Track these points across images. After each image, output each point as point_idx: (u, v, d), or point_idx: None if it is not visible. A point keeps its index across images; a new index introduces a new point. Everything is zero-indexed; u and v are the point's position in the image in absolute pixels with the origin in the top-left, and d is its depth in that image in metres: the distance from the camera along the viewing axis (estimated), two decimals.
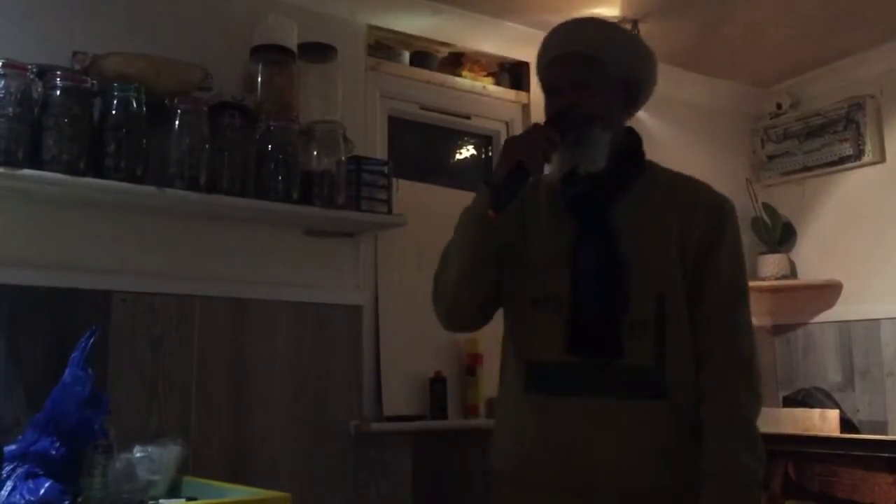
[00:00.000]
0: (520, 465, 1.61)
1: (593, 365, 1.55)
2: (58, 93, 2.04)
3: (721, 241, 1.62)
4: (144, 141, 2.15)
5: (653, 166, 1.72)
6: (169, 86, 2.23)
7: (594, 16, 1.72)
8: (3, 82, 1.97)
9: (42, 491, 1.66)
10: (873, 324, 3.43)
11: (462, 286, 1.61)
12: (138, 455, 1.88)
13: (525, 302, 1.63)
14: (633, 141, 1.71)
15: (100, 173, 2.08)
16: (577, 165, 1.60)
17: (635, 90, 1.68)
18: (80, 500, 1.71)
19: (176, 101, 2.22)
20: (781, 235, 3.78)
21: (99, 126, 2.11)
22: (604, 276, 1.58)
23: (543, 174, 1.61)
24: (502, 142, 3.27)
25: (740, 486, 1.48)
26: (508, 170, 1.51)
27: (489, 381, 2.84)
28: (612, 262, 1.57)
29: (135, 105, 2.13)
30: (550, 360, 1.58)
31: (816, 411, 3.11)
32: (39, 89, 2.02)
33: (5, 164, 1.92)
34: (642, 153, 1.72)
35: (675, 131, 3.68)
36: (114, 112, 2.11)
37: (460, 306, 1.65)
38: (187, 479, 1.95)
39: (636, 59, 1.68)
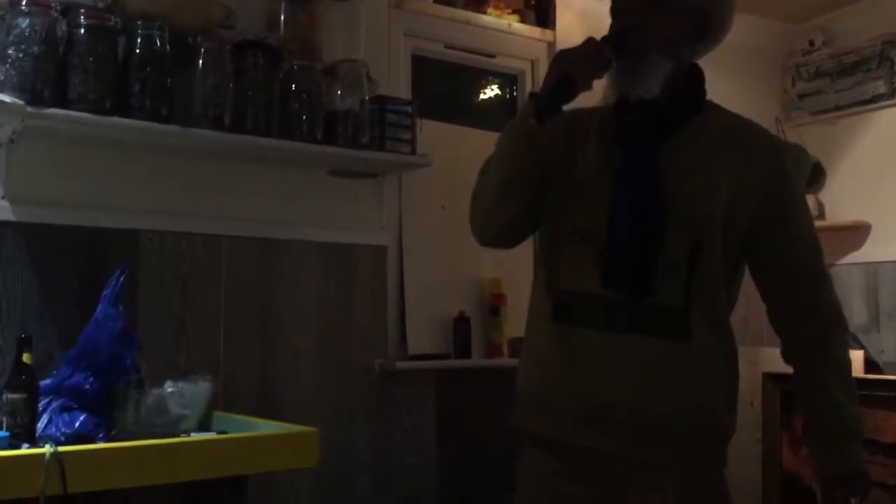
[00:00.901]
0: (541, 389, 1.62)
1: (621, 300, 1.54)
2: (82, 31, 2.03)
3: (789, 191, 1.61)
4: (169, 80, 2.15)
5: (713, 107, 1.67)
6: (192, 24, 2.21)
7: None
8: (27, 21, 1.96)
9: (77, 423, 1.72)
10: None
11: (500, 196, 1.58)
12: (169, 390, 1.92)
13: (561, 230, 1.62)
14: (695, 77, 1.66)
15: (125, 113, 2.08)
16: (630, 91, 1.56)
17: (708, 26, 1.62)
18: (113, 432, 1.75)
19: (199, 39, 2.21)
20: (811, 176, 3.73)
21: (123, 65, 2.10)
22: (641, 215, 1.55)
23: (602, 99, 1.60)
24: (527, 82, 3.24)
25: (860, 436, 1.60)
26: (556, 80, 1.47)
27: (513, 322, 2.86)
28: (652, 202, 1.54)
29: (158, 44, 2.12)
30: (580, 291, 1.58)
31: None
32: (63, 28, 2.02)
33: (32, 102, 1.92)
34: (703, 91, 1.67)
35: (703, 68, 3.60)
36: (138, 51, 2.10)
37: (497, 217, 1.62)
38: (217, 414, 1.99)
39: None
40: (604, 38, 1.54)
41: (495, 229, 1.66)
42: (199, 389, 1.96)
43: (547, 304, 1.62)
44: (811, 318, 1.63)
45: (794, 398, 2.78)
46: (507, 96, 3.31)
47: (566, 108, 1.52)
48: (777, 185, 1.60)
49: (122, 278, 1.89)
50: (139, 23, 2.10)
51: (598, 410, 1.54)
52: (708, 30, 1.63)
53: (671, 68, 1.57)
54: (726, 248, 1.58)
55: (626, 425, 1.53)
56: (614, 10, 1.63)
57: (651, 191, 1.54)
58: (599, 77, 1.52)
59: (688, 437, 1.56)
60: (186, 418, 1.90)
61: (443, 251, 2.86)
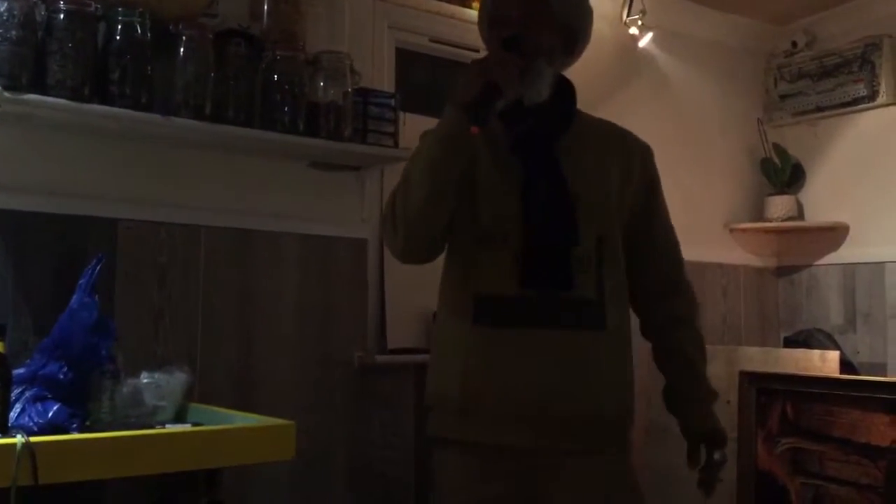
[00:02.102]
0: (467, 395, 1.62)
1: (543, 297, 1.60)
2: (61, 16, 2.00)
3: (656, 184, 1.79)
4: (149, 68, 2.12)
5: (581, 113, 1.76)
6: (173, 11, 2.19)
7: None
8: (5, 5, 1.93)
9: (51, 413, 1.69)
10: (878, 267, 3.43)
11: (429, 209, 1.56)
12: (145, 381, 1.90)
13: (473, 234, 1.64)
14: (567, 86, 1.74)
15: (105, 100, 2.06)
16: (523, 96, 1.60)
17: (575, 39, 1.71)
18: (88, 423, 1.73)
19: (181, 27, 2.19)
20: (791, 177, 3.76)
21: (103, 52, 2.08)
22: (556, 208, 1.61)
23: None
24: None
25: (716, 399, 1.79)
26: (482, 89, 1.48)
27: None
28: (564, 195, 1.62)
29: (139, 31, 2.10)
30: (499, 293, 1.61)
31: (817, 352, 3.13)
32: (42, 13, 1.99)
33: (9, 88, 1.90)
34: (575, 98, 1.75)
35: (687, 68, 3.63)
36: (118, 38, 2.08)
37: (423, 233, 1.60)
38: (193, 405, 1.98)
39: (578, 9, 1.72)
40: (503, 45, 1.58)
41: (424, 241, 1.63)
42: (175, 380, 1.94)
43: (465, 309, 1.63)
44: (676, 296, 1.80)
45: (770, 396, 2.82)
46: None
47: None
48: (649, 178, 1.77)
49: (98, 267, 1.87)
50: (119, 9, 2.08)
51: (527, 409, 1.58)
52: (575, 43, 1.71)
53: (553, 76, 1.66)
54: (619, 239, 1.70)
55: (555, 416, 1.59)
56: (493, 23, 1.68)
57: (560, 191, 1.62)
58: (518, 85, 1.55)
59: (610, 424, 1.65)
60: (162, 410, 1.89)
61: None
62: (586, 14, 1.73)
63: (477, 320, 1.62)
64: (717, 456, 1.74)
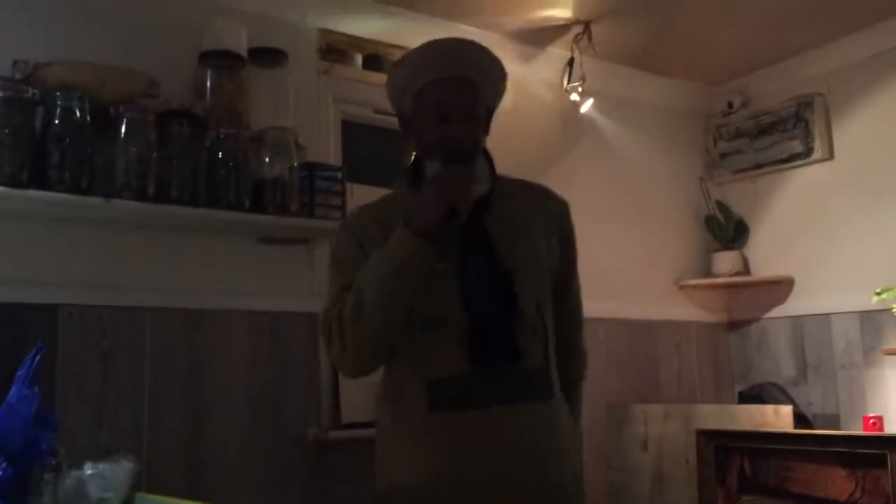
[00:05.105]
0: (430, 482, 1.59)
1: (495, 373, 1.59)
2: None
3: (572, 241, 1.80)
4: (89, 151, 2.11)
5: (499, 177, 1.76)
6: (114, 94, 2.18)
7: (470, 39, 1.72)
8: None
9: None
10: (824, 318, 3.49)
11: (384, 333, 1.57)
12: (89, 472, 1.83)
13: (414, 322, 1.60)
14: (486, 154, 1.75)
15: (44, 185, 2.03)
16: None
17: (491, 117, 1.73)
18: None
19: (121, 109, 2.18)
20: (734, 233, 3.83)
21: (42, 136, 2.06)
22: (494, 286, 1.61)
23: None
24: None
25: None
26: (442, 215, 1.51)
27: None
28: (499, 271, 1.62)
29: (78, 114, 2.09)
30: (451, 376, 1.59)
31: (770, 407, 3.15)
32: None
33: None
34: (495, 166, 1.77)
35: (629, 131, 3.71)
36: (57, 122, 2.06)
37: (378, 351, 1.61)
38: (140, 495, 1.90)
39: (502, 88, 1.74)
40: (452, 159, 1.59)
41: (376, 359, 1.65)
42: (120, 470, 1.86)
43: (420, 398, 1.61)
44: (570, 358, 1.78)
45: (728, 453, 2.82)
46: None
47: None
48: (567, 231, 1.78)
49: (38, 357, 1.81)
50: (58, 93, 2.07)
51: (490, 490, 1.56)
52: (491, 119, 1.73)
53: (487, 165, 1.71)
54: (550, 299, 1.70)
55: (521, 488, 1.58)
56: (440, 117, 1.63)
57: (496, 266, 1.62)
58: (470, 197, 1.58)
59: (569, 485, 1.66)
60: (107, 501, 1.81)
61: None
62: (504, 87, 1.74)
63: (433, 407, 1.60)
64: None
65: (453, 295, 1.60)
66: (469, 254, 1.61)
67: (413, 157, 1.76)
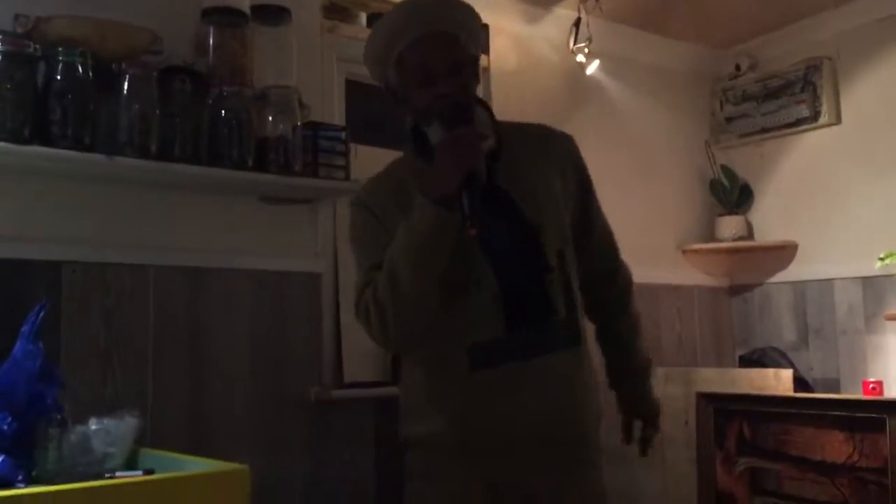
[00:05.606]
0: (465, 436, 1.63)
1: (532, 330, 1.61)
2: None
3: (585, 171, 1.80)
4: (92, 107, 2.09)
5: (500, 125, 1.73)
6: (116, 50, 2.16)
7: None
8: None
9: None
10: (827, 284, 3.50)
11: (425, 306, 1.58)
12: (94, 427, 1.85)
13: (448, 290, 1.60)
14: (486, 107, 1.73)
15: (46, 141, 2.01)
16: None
17: (478, 63, 1.71)
18: (34, 474, 1.68)
19: (123, 65, 2.15)
20: (739, 197, 3.82)
21: (44, 92, 2.04)
22: (522, 246, 1.62)
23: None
24: None
25: (649, 366, 1.92)
26: (464, 181, 1.47)
27: None
28: (526, 230, 1.62)
29: (80, 70, 2.06)
30: (491, 338, 1.61)
31: (771, 371, 3.17)
32: None
33: None
34: (494, 116, 1.75)
35: (635, 94, 3.68)
36: (58, 78, 2.04)
37: (421, 325, 1.62)
38: (144, 450, 1.93)
39: (478, 35, 1.71)
40: (453, 117, 1.56)
41: (416, 334, 1.65)
42: (124, 425, 1.89)
43: (460, 360, 1.62)
44: (615, 280, 1.87)
45: (727, 416, 2.84)
46: None
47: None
48: (579, 166, 1.78)
49: (42, 313, 1.83)
50: (60, 49, 2.04)
51: (525, 440, 1.61)
52: (478, 64, 1.71)
53: (487, 116, 1.68)
54: (573, 237, 1.71)
55: (561, 437, 1.63)
56: (425, 81, 1.61)
57: (520, 223, 1.62)
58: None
59: (591, 435, 1.72)
60: (112, 457, 1.84)
61: None
62: (479, 27, 1.72)
63: (475, 367, 1.61)
64: (648, 432, 1.88)
65: (482, 260, 1.60)
66: (492, 215, 1.57)
67: (412, 126, 1.73)
